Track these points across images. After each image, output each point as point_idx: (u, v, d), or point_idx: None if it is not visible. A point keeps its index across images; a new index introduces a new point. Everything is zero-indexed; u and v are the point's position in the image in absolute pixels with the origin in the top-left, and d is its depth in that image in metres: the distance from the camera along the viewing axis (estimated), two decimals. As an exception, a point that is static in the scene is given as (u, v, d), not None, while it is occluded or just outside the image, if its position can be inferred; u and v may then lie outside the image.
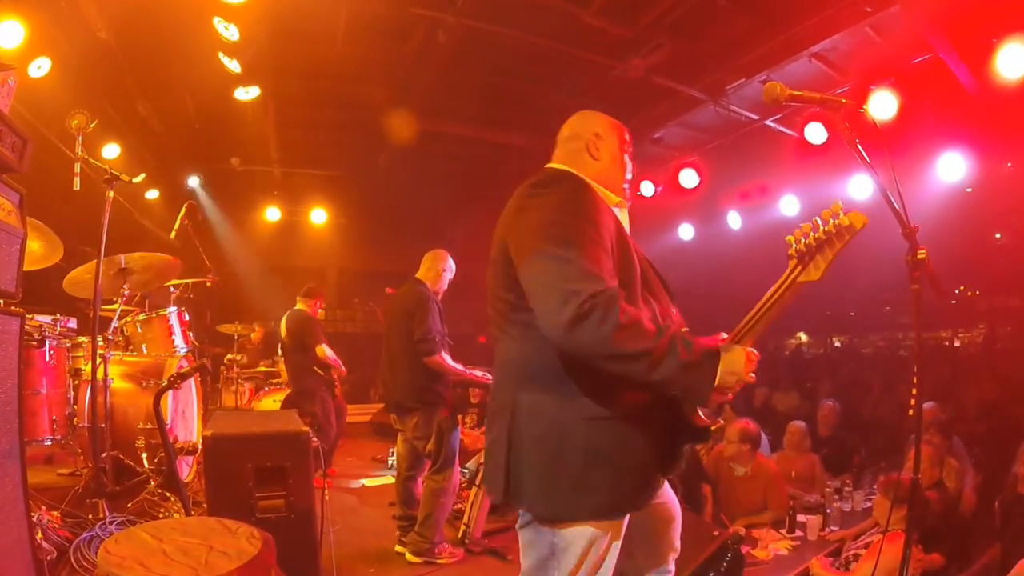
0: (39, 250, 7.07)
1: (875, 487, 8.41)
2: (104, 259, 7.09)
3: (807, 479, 9.89)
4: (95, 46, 9.24)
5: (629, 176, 3.86)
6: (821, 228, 2.93)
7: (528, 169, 3.74)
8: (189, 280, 10.73)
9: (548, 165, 3.71)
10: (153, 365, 8.41)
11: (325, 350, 10.71)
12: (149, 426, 7.74)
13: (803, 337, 29.13)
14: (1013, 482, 7.21)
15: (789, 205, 13.02)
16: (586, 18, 9.41)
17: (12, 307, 4.80)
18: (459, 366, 7.72)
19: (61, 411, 7.68)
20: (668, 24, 9.61)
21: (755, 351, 3.11)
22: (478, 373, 7.96)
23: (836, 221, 2.90)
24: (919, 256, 3.50)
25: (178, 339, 9.30)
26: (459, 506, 8.47)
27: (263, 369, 14.74)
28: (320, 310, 11.46)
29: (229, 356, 14.13)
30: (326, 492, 6.08)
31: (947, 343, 23.43)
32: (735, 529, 7.88)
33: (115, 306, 8.24)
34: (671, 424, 3.32)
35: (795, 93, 3.41)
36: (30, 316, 6.82)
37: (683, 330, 3.36)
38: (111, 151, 11.52)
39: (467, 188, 16.85)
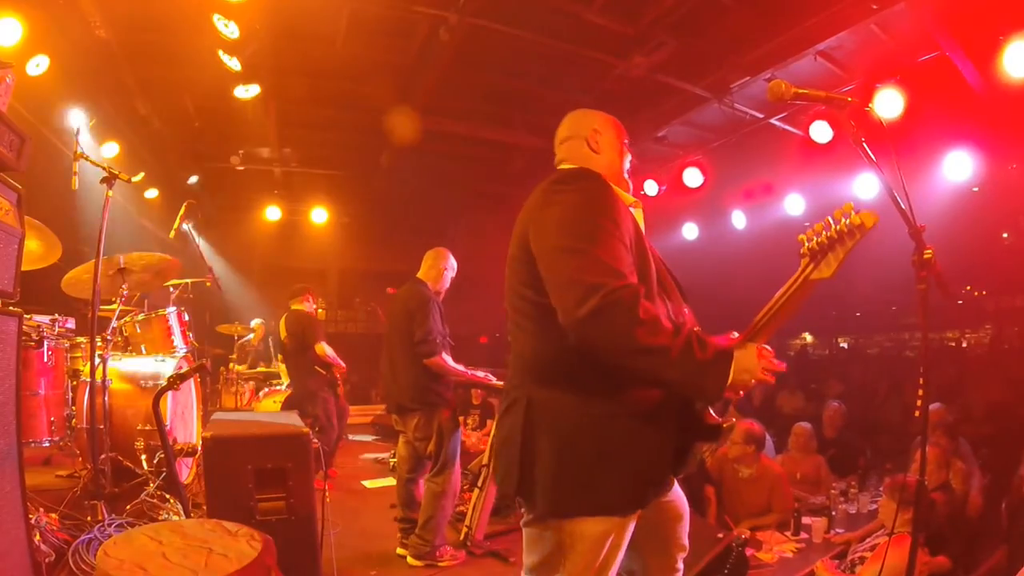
0: (37, 250, 7.08)
1: (881, 489, 8.39)
2: (103, 259, 7.08)
3: (812, 481, 9.88)
4: (94, 44, 9.24)
5: (628, 166, 3.89)
6: (833, 227, 2.94)
7: (531, 168, 3.76)
8: (188, 280, 10.74)
9: (563, 166, 3.73)
10: (152, 366, 8.41)
11: (325, 348, 10.71)
12: (148, 427, 7.76)
13: (808, 338, 29.07)
14: (1020, 484, 7.22)
15: (794, 204, 13.00)
16: (589, 16, 9.42)
17: (10, 307, 4.80)
18: (460, 367, 7.72)
19: (59, 412, 7.69)
20: (672, 22, 9.62)
21: (769, 348, 3.13)
22: (480, 374, 7.97)
23: (847, 220, 2.91)
24: (925, 256, 3.51)
25: (177, 339, 9.30)
26: (461, 508, 8.47)
27: (263, 370, 14.74)
28: (316, 307, 11.46)
29: (232, 361, 14.15)
30: (327, 494, 6.08)
31: (954, 344, 23.40)
32: (739, 531, 7.87)
33: (114, 306, 8.24)
34: (683, 422, 3.33)
35: (800, 91, 3.41)
36: (28, 316, 6.81)
37: (696, 329, 3.37)
38: (110, 150, 11.52)
39: (469, 187, 16.87)
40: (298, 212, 18.83)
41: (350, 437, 14.49)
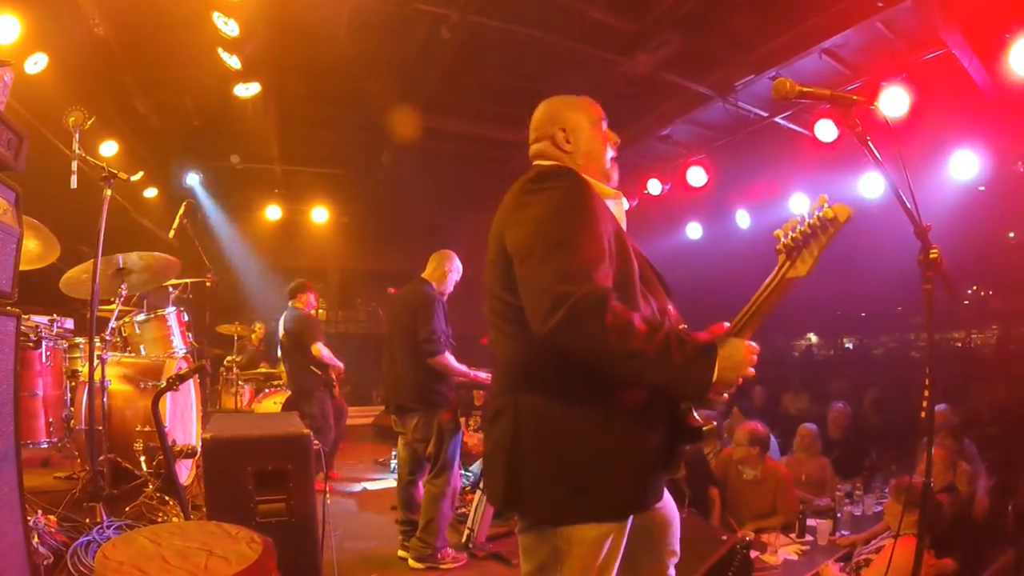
0: (35, 249, 7.08)
1: (886, 491, 8.41)
2: (102, 258, 7.06)
3: (817, 482, 9.88)
4: (92, 41, 9.24)
5: (612, 154, 3.82)
6: (807, 222, 2.94)
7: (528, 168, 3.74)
8: (188, 280, 10.74)
9: (537, 162, 3.70)
10: (151, 366, 8.42)
11: (320, 348, 10.70)
12: (147, 429, 7.77)
13: (813, 338, 29.07)
14: (1027, 486, 7.22)
15: (799, 203, 12.94)
16: (592, 13, 9.40)
17: (8, 307, 4.79)
18: (463, 367, 7.74)
19: (58, 413, 7.71)
20: (676, 19, 9.59)
21: (754, 344, 3.11)
22: (482, 374, 7.97)
23: (820, 214, 2.90)
24: (931, 255, 3.50)
25: (177, 340, 9.31)
26: (463, 510, 8.49)
27: (263, 370, 14.75)
28: (316, 308, 11.47)
29: (229, 358, 14.14)
30: (327, 496, 6.09)
31: (960, 344, 23.38)
32: (744, 533, 7.85)
33: (113, 306, 8.26)
34: (670, 424, 3.32)
35: (805, 90, 3.40)
36: (26, 316, 6.82)
37: (681, 327, 3.38)
38: (109, 148, 11.52)
39: (471, 186, 16.83)
40: (299, 211, 18.83)
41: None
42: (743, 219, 14.43)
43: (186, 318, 9.74)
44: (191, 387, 9.45)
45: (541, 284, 2.97)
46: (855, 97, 3.56)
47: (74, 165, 6.61)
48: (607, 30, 9.84)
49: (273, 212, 18.22)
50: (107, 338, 7.95)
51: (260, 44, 9.54)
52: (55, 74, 9.03)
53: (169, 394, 7.62)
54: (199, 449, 7.55)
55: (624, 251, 3.34)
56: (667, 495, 3.82)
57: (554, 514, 3.20)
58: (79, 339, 8.34)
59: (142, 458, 7.73)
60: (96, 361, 7.12)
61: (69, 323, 8.37)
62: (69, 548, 5.74)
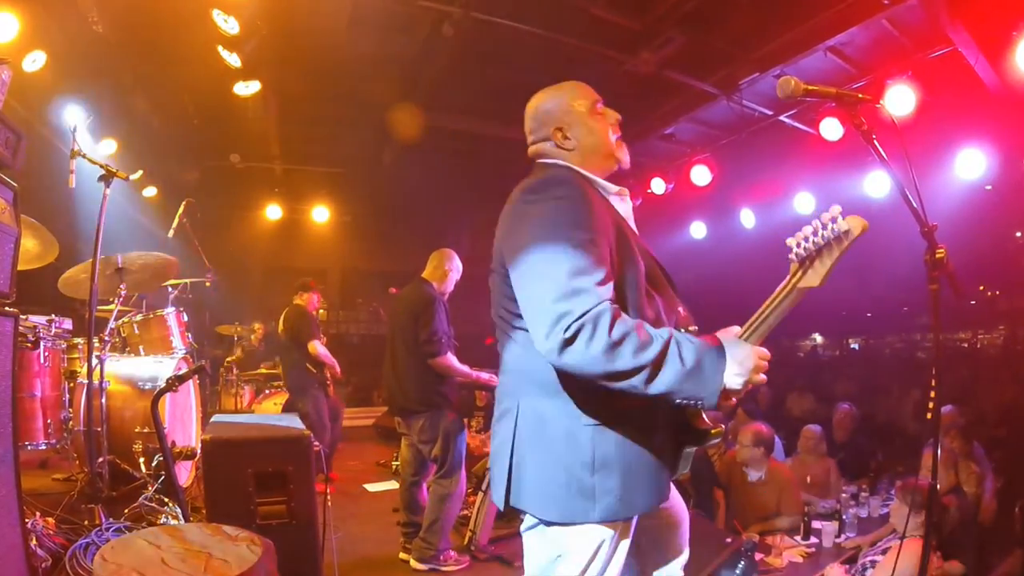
0: (34, 249, 7.10)
1: (892, 492, 8.38)
2: (100, 258, 7.03)
3: (822, 484, 9.87)
4: (91, 39, 9.24)
5: (616, 135, 3.78)
6: (820, 232, 2.88)
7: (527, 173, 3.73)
8: (187, 280, 10.75)
9: (539, 161, 3.71)
10: (151, 367, 8.41)
11: (317, 347, 10.70)
12: (146, 430, 7.78)
13: (818, 338, 29.08)
14: (1034, 487, 7.22)
15: (804, 203, 12.97)
16: (596, 11, 9.40)
17: (6, 307, 4.80)
18: (465, 368, 7.73)
19: (56, 414, 7.72)
20: (679, 17, 9.58)
21: (764, 350, 3.09)
22: (485, 375, 7.95)
23: (834, 226, 2.84)
24: (938, 255, 3.50)
25: (176, 340, 9.32)
26: (465, 512, 8.47)
27: (263, 371, 14.75)
28: (320, 308, 11.47)
29: (229, 359, 14.15)
30: (328, 498, 6.08)
31: (966, 344, 23.39)
32: (748, 536, 7.84)
33: (112, 307, 8.24)
34: (676, 427, 3.33)
35: (810, 88, 3.40)
36: (24, 317, 6.81)
37: (691, 328, 3.35)
38: (108, 147, 11.55)
39: (474, 185, 16.83)
40: (299, 211, 18.90)
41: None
42: (747, 218, 14.44)
43: (185, 318, 9.74)
44: (191, 388, 9.46)
45: (540, 303, 2.96)
46: (860, 95, 3.55)
47: (72, 164, 6.61)
48: (610, 28, 9.84)
49: (273, 211, 18.29)
50: (106, 338, 7.93)
51: (260, 42, 9.53)
52: (53, 72, 9.03)
53: (168, 395, 7.59)
54: (199, 451, 7.57)
55: (629, 251, 3.32)
56: (676, 495, 3.83)
57: (557, 514, 3.19)
58: (78, 339, 8.35)
59: (141, 460, 7.74)
60: (95, 362, 7.12)
61: (67, 323, 8.37)
62: (68, 550, 5.74)
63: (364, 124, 13.84)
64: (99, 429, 7.21)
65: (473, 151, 15.49)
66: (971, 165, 10.25)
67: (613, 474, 3.13)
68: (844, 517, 8.66)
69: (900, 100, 9.08)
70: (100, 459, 7.09)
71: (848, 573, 7.30)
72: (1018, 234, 17.19)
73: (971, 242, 11.70)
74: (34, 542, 5.41)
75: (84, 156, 6.78)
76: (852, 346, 29.20)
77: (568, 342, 2.82)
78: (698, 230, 15.82)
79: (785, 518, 8.67)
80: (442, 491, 7.48)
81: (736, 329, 3.21)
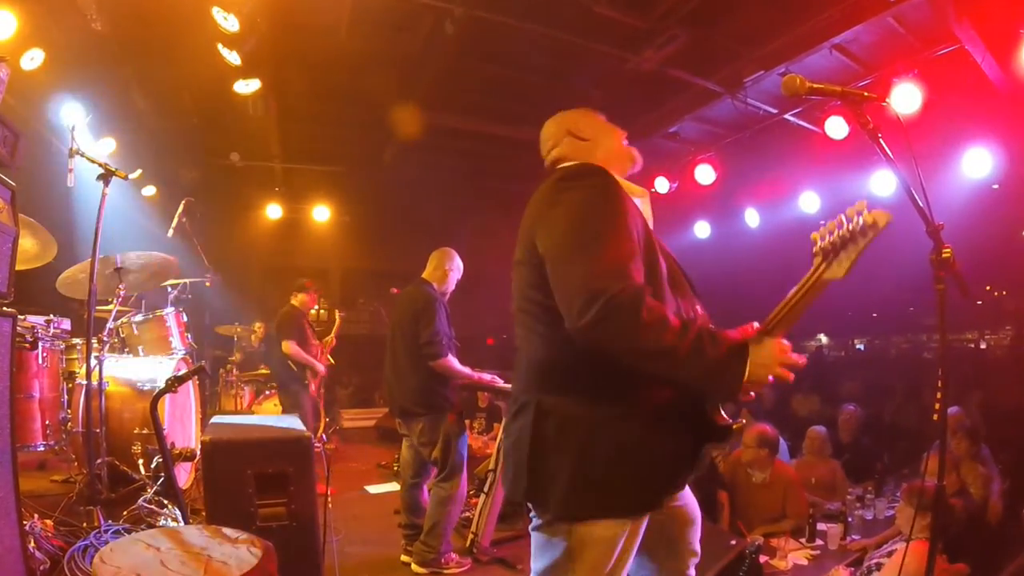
0: (32, 248, 7.11)
1: (898, 494, 8.39)
2: (99, 258, 7.03)
3: (828, 486, 9.87)
4: (90, 37, 9.24)
5: (624, 142, 3.93)
6: (846, 225, 2.91)
7: (538, 164, 3.75)
8: (187, 280, 10.75)
9: (564, 164, 3.71)
10: (150, 368, 8.42)
11: (291, 347, 10.77)
12: (146, 431, 7.78)
13: (824, 339, 29.04)
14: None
15: (809, 202, 12.97)
16: (598, 8, 9.38)
17: (4, 307, 4.81)
18: (467, 369, 7.72)
19: (54, 415, 7.73)
20: (683, 14, 9.58)
21: (787, 343, 3.11)
22: (487, 376, 7.94)
23: (860, 219, 2.87)
24: (944, 255, 3.50)
25: (176, 341, 9.32)
26: (467, 514, 8.47)
27: (263, 372, 14.76)
28: (320, 308, 11.51)
29: (232, 364, 14.17)
30: (329, 499, 6.09)
31: (973, 345, 23.36)
32: (753, 538, 7.84)
33: (110, 307, 8.24)
34: (694, 423, 3.32)
35: (815, 86, 3.40)
36: (22, 317, 6.83)
37: (708, 326, 3.36)
38: (106, 146, 11.54)
39: (475, 184, 16.86)
40: (299, 210, 18.88)
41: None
42: (752, 218, 14.43)
43: (185, 319, 9.75)
44: (190, 389, 9.47)
45: (576, 281, 2.99)
46: (866, 93, 3.56)
47: (71, 163, 6.61)
48: (613, 25, 9.83)
49: (273, 211, 18.26)
50: (105, 339, 7.95)
51: (260, 40, 9.53)
52: (52, 70, 9.04)
53: (168, 396, 7.59)
54: (198, 452, 7.57)
55: (652, 250, 3.36)
56: (691, 496, 3.85)
57: (571, 510, 3.21)
58: (76, 340, 8.36)
59: (140, 461, 7.75)
60: (93, 362, 7.12)
61: (66, 324, 8.38)
62: (66, 553, 5.74)
63: (365, 123, 13.85)
64: (98, 430, 7.22)
65: (475, 150, 15.50)
66: (978, 164, 10.25)
67: (633, 468, 3.16)
68: (849, 519, 8.67)
69: (906, 98, 9.07)
70: (99, 461, 7.11)
71: (853, 575, 7.31)
72: (1025, 233, 17.19)
73: (978, 242, 11.66)
74: (32, 544, 5.41)
75: (83, 155, 6.79)
76: (858, 347, 29.19)
77: (602, 319, 2.86)
78: (702, 230, 15.82)
79: (790, 520, 8.67)
80: (442, 494, 7.48)
81: (755, 325, 3.23)
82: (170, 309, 9.48)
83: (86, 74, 10.08)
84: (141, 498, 7.24)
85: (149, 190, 14.60)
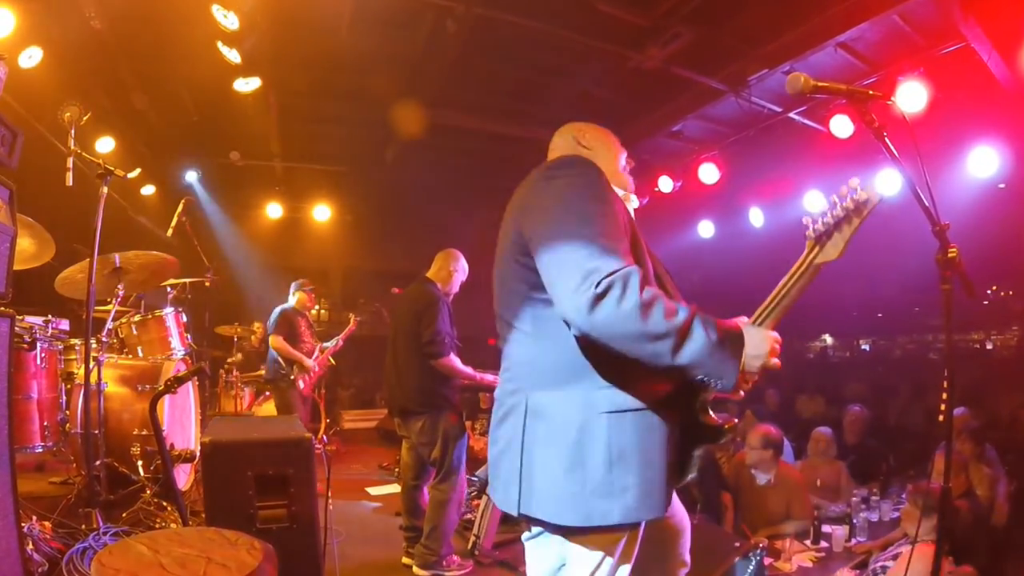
0: (30, 248, 7.10)
1: (904, 496, 8.39)
2: (98, 258, 7.04)
3: (833, 488, 9.87)
4: (89, 35, 9.25)
5: (624, 164, 3.94)
6: (839, 205, 2.95)
7: (541, 163, 3.76)
8: (187, 280, 10.75)
9: (551, 159, 3.71)
10: (149, 368, 8.42)
11: (277, 341, 10.78)
12: (145, 432, 7.78)
13: (828, 339, 29.07)
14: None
15: (814, 201, 12.94)
16: (601, 6, 9.38)
17: (2, 307, 4.81)
18: (469, 369, 7.72)
19: (53, 417, 7.72)
20: (687, 12, 9.57)
21: (777, 335, 3.11)
22: (488, 377, 7.93)
23: (854, 196, 2.92)
24: (950, 255, 3.50)
25: (175, 341, 9.32)
26: (468, 516, 8.47)
27: (263, 373, 14.77)
28: (316, 306, 11.50)
29: (229, 360, 14.16)
30: (329, 501, 6.08)
31: (979, 346, 23.37)
32: (757, 540, 7.83)
33: (109, 307, 8.22)
34: (685, 424, 3.32)
35: (820, 84, 3.40)
36: (20, 317, 6.83)
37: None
38: (105, 145, 11.56)
39: (478, 183, 16.83)
40: (300, 209, 18.86)
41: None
42: (756, 217, 14.40)
43: (184, 319, 9.74)
44: (190, 390, 9.46)
45: (568, 261, 2.96)
46: (871, 92, 3.55)
47: (70, 162, 6.61)
48: (616, 23, 9.82)
49: (274, 210, 18.23)
50: (103, 339, 7.94)
51: (260, 37, 9.54)
52: (50, 68, 9.04)
53: (167, 397, 7.60)
54: (198, 453, 7.58)
55: (639, 247, 3.34)
56: (678, 504, 3.83)
57: (573, 517, 3.13)
58: (75, 340, 8.35)
59: (139, 463, 7.75)
60: (92, 363, 7.12)
61: (64, 324, 8.38)
62: (64, 555, 5.75)
63: (366, 121, 13.84)
64: (96, 432, 7.22)
65: (477, 149, 15.50)
66: (984, 163, 10.24)
67: (631, 469, 3.09)
68: (855, 521, 8.66)
69: (911, 97, 9.07)
70: (98, 462, 7.12)
71: (858, 578, 7.32)
72: (1031, 233, 17.18)
73: (984, 241, 11.67)
74: (30, 547, 5.41)
75: (81, 154, 6.79)
76: (863, 347, 29.21)
77: (599, 298, 2.82)
78: (706, 229, 15.78)
79: (794, 522, 8.66)
80: (440, 496, 7.47)
81: (745, 319, 3.24)
82: (169, 309, 9.47)
83: (85, 72, 10.08)
84: (140, 500, 7.26)
85: (148, 189, 14.62)
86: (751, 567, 6.52)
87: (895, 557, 7.09)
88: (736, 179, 13.24)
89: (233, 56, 9.50)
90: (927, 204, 3.51)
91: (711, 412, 3.34)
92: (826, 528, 8.51)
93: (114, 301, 8.17)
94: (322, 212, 18.70)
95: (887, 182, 10.87)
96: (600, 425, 3.10)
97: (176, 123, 13.57)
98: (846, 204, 2.92)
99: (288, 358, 10.81)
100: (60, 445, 7.91)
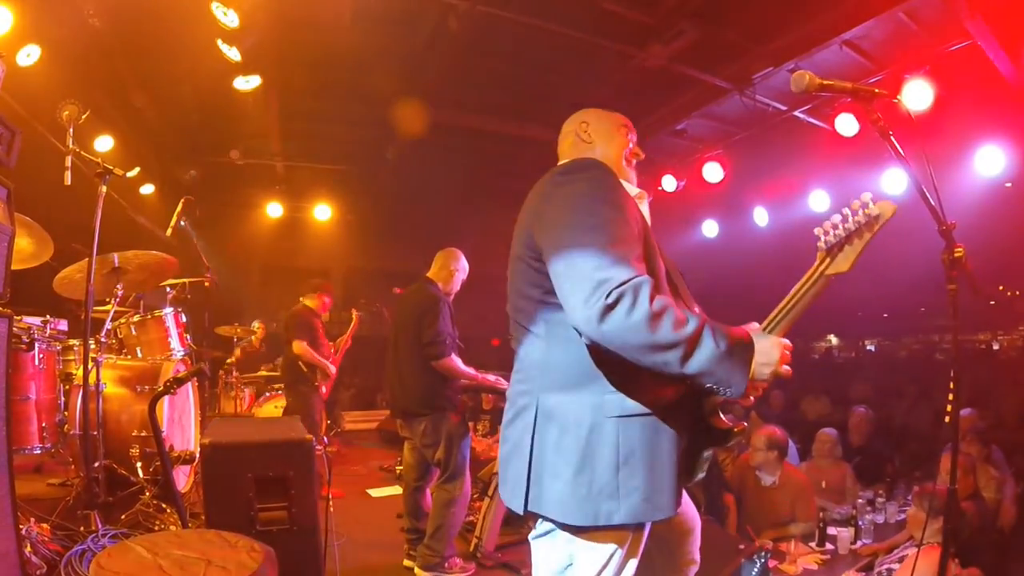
0: (28, 248, 7.10)
1: (910, 498, 8.38)
2: (97, 257, 7.02)
3: (838, 489, 9.86)
4: (87, 33, 9.25)
5: (629, 156, 3.92)
6: (850, 218, 2.94)
7: (544, 162, 3.76)
8: (186, 280, 10.74)
9: (562, 161, 3.74)
10: (148, 369, 8.41)
11: (302, 346, 10.65)
12: (144, 434, 7.77)
13: (834, 340, 29.10)
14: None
15: (819, 200, 12.98)
16: (604, 4, 9.38)
17: (0, 308, 4.81)
18: (471, 370, 7.71)
19: (51, 418, 7.71)
20: (691, 9, 9.58)
21: (788, 342, 3.11)
22: (491, 377, 7.93)
23: (865, 211, 2.91)
24: (956, 254, 3.50)
25: (174, 342, 9.30)
26: (471, 518, 8.46)
27: (264, 373, 14.75)
28: (326, 311, 11.45)
29: (228, 360, 14.15)
30: (330, 503, 6.08)
31: (985, 346, 23.37)
32: (761, 542, 7.84)
33: (108, 307, 8.20)
34: (694, 427, 3.33)
35: (825, 83, 3.40)
36: (18, 317, 6.84)
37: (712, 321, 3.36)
38: (104, 143, 11.56)
39: (480, 183, 16.84)
40: (301, 209, 18.85)
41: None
42: (761, 217, 14.44)
43: (184, 319, 9.71)
44: (189, 391, 9.46)
45: (579, 271, 2.96)
46: (877, 90, 3.55)
47: (68, 161, 6.60)
48: (620, 21, 9.81)
49: (274, 209, 18.23)
50: (102, 340, 7.94)
51: (261, 35, 9.55)
52: (48, 67, 9.04)
53: (167, 398, 7.62)
54: (197, 455, 7.57)
55: (651, 250, 3.35)
56: (688, 501, 3.83)
57: (580, 517, 3.16)
58: (73, 341, 8.34)
59: (138, 464, 7.73)
60: (91, 364, 7.11)
61: (63, 324, 8.38)
62: (63, 558, 5.74)
63: (367, 120, 13.83)
64: (95, 433, 7.19)
65: (479, 148, 15.49)
66: (990, 162, 10.25)
67: (639, 471, 3.12)
68: (860, 523, 8.65)
69: (918, 95, 9.08)
70: (96, 464, 7.09)
71: (864, 581, 7.31)
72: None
73: (990, 241, 11.66)
74: (28, 549, 5.41)
75: (80, 153, 6.79)
76: (868, 348, 29.23)
77: (609, 308, 2.83)
78: (710, 229, 15.84)
79: (799, 524, 8.66)
80: (446, 496, 7.46)
81: (756, 325, 3.24)
82: (169, 309, 9.45)
83: (83, 70, 10.07)
84: (139, 502, 7.26)
85: (147, 188, 14.62)
86: (756, 569, 6.53)
87: (901, 560, 7.08)
88: (740, 178, 13.26)
89: (233, 54, 9.50)
90: (933, 203, 3.51)
91: (721, 415, 3.35)
92: (831, 530, 8.49)
93: (113, 301, 8.16)
94: (323, 211, 18.70)
95: (893, 181, 10.91)
96: (609, 428, 3.12)
97: (176, 122, 13.58)
98: (857, 218, 2.92)
99: (311, 363, 10.79)
100: (58, 446, 7.89)
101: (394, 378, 7.83)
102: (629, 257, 2.98)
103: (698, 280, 3.69)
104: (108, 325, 8.15)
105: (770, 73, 10.56)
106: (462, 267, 7.98)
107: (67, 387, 8.07)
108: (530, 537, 3.44)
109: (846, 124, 10.16)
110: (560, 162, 3.80)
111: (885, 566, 7.28)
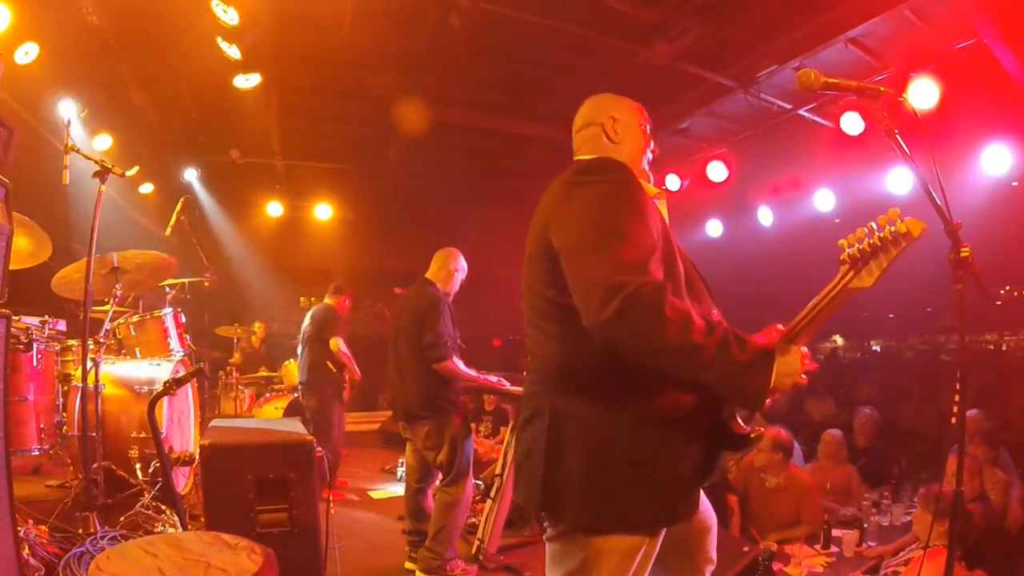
0: (26, 247, 7.10)
1: (915, 500, 8.36)
2: (95, 257, 7.03)
3: (843, 491, 9.85)
4: (86, 31, 9.25)
5: (650, 156, 3.90)
6: (876, 234, 2.89)
7: (546, 161, 3.77)
8: (185, 280, 10.74)
9: (581, 157, 3.71)
10: (147, 370, 8.41)
11: (340, 343, 10.70)
12: (143, 435, 7.77)
13: (839, 340, 29.06)
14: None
15: (824, 200, 12.97)
16: (607, 1, 9.38)
17: (-3, 308, 4.81)
18: (472, 371, 7.70)
19: (49, 419, 7.71)
20: (695, 7, 9.57)
21: (806, 350, 3.10)
22: (492, 378, 7.92)
23: (892, 228, 2.85)
24: (962, 254, 3.49)
25: (174, 342, 9.30)
26: (473, 520, 8.46)
27: (264, 374, 14.75)
28: (345, 312, 11.48)
29: (229, 361, 14.15)
30: (331, 505, 6.08)
31: (992, 347, 23.34)
32: (766, 544, 7.84)
33: (107, 307, 8.20)
34: (711, 430, 3.31)
35: (830, 81, 3.39)
36: (16, 318, 6.83)
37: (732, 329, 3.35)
38: (103, 142, 11.57)
39: (481, 182, 16.84)
40: (301, 208, 18.85)
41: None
42: (765, 216, 14.42)
43: (183, 319, 9.71)
44: (189, 392, 9.45)
45: (594, 275, 2.95)
46: (882, 88, 3.55)
47: (66, 159, 6.61)
48: (623, 18, 9.82)
49: (274, 208, 18.22)
50: (101, 340, 7.92)
51: (261, 33, 9.55)
52: (47, 64, 9.04)
53: (166, 399, 7.61)
54: (197, 456, 7.57)
55: (670, 250, 3.34)
56: (706, 503, 3.84)
57: (588, 522, 3.19)
58: (72, 341, 8.33)
59: (137, 466, 7.73)
60: (89, 364, 7.11)
61: (61, 325, 8.38)
62: (61, 560, 5.74)
63: (368, 119, 13.85)
64: (94, 434, 7.20)
65: (481, 146, 15.51)
66: (997, 161, 10.23)
67: (646, 483, 3.13)
68: (865, 525, 8.64)
69: (923, 93, 9.07)
70: (95, 465, 7.10)
71: (869, 583, 7.30)
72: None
73: (997, 240, 11.66)
74: (27, 551, 5.41)
75: (78, 151, 6.78)
76: (874, 348, 29.21)
77: (624, 313, 2.81)
78: (714, 228, 15.80)
79: (804, 526, 8.64)
80: (448, 499, 7.45)
81: (780, 328, 3.22)
82: (168, 310, 9.44)
83: (82, 68, 10.08)
84: (138, 503, 7.24)
85: (146, 187, 14.61)
86: (760, 571, 6.52)
87: (907, 562, 7.07)
88: (745, 177, 13.24)
89: (233, 52, 9.51)
90: (939, 202, 3.50)
91: (739, 420, 3.35)
92: (836, 532, 8.48)
93: (112, 301, 8.16)
94: (323, 211, 18.70)
95: (898, 180, 10.90)
96: (626, 432, 3.14)
97: (175, 120, 13.58)
98: (883, 234, 2.87)
99: (342, 364, 10.79)
100: (57, 448, 7.89)
101: (395, 379, 7.82)
102: (647, 261, 2.97)
103: (706, 280, 3.68)
104: (107, 325, 8.15)
105: (774, 71, 10.56)
106: (461, 267, 7.97)
107: (65, 388, 8.06)
108: (545, 537, 3.44)
109: (851, 123, 10.14)
110: (577, 155, 3.78)
111: (891, 568, 7.28)
